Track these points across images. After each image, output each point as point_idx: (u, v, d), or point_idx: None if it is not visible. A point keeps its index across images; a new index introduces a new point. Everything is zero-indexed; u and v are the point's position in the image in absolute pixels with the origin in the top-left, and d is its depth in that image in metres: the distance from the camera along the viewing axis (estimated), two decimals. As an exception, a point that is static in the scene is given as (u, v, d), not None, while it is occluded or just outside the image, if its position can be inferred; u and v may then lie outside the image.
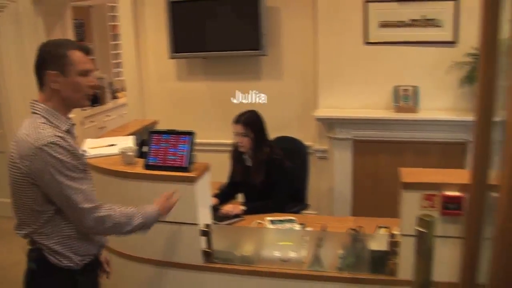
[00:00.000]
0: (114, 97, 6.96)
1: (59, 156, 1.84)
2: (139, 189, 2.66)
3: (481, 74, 1.81)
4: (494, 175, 1.75)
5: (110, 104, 6.73)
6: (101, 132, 5.86)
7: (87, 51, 2.01)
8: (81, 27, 6.98)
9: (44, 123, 1.90)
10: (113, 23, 7.42)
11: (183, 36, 4.61)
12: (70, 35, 5.80)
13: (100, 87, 6.02)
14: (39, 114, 1.92)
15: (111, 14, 7.40)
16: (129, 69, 4.98)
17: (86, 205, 1.91)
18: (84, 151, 2.09)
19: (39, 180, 1.86)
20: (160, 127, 4.52)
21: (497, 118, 1.74)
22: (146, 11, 4.87)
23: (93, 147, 3.07)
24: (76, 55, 1.94)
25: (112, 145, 3.14)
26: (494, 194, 1.72)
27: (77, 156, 1.92)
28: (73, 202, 1.89)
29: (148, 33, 4.92)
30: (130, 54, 4.91)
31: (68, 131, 1.98)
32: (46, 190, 1.88)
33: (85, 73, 1.97)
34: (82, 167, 1.95)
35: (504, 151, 1.54)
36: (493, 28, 1.71)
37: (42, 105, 1.94)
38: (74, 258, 2.00)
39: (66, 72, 1.92)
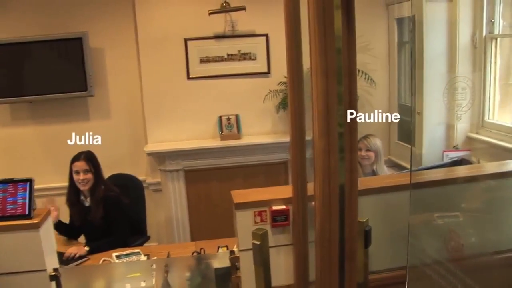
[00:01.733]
0: None
1: None
2: (-20, 243, 2.58)
3: (290, 101, 2.13)
4: (311, 187, 2.06)
5: None
6: None
7: None
8: None
9: None
10: None
11: (4, 81, 4.46)
12: None
13: None
14: None
15: None
16: None
17: None
18: None
19: None
20: (-12, 177, 4.32)
21: (308, 138, 2.05)
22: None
23: None
24: None
25: None
26: (313, 203, 2.03)
27: None
28: None
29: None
30: None
31: None
32: None
33: None
34: None
35: (314, 165, 1.84)
36: (297, 59, 2.03)
37: None
38: None
39: None
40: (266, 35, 4.45)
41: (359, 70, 4.18)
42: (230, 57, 4.48)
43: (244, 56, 4.49)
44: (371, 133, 3.62)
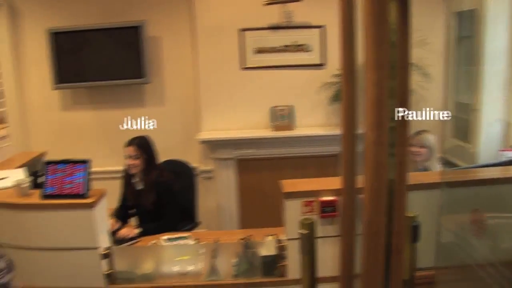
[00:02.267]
0: (-10, 130, 6.69)
1: None
2: (38, 219, 2.70)
3: (343, 93, 2.13)
4: (360, 180, 2.06)
5: (-14, 137, 6.44)
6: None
7: None
8: None
9: None
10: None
11: (66, 67, 4.64)
12: None
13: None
14: None
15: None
16: (11, 100, 4.89)
17: None
18: None
19: None
20: (49, 158, 4.51)
21: (360, 131, 2.05)
22: (27, 41, 4.83)
23: (-16, 182, 3.06)
24: None
25: (3, 178, 3.15)
26: (362, 195, 2.03)
27: None
28: None
29: (29, 64, 4.87)
30: (11, 85, 4.82)
31: None
32: None
33: None
34: None
35: (364, 159, 1.84)
36: (350, 52, 2.03)
37: None
38: None
39: None
40: (322, 27, 4.43)
41: (415, 65, 4.12)
42: (285, 48, 4.49)
43: (299, 48, 4.49)
44: (425, 129, 3.56)
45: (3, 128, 6.19)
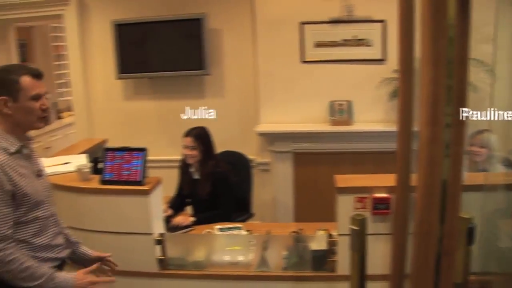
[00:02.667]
0: (59, 117, 6.97)
1: None
2: (97, 203, 2.81)
3: (400, 90, 2.09)
4: (414, 178, 2.02)
5: (55, 124, 6.72)
6: (47, 152, 5.88)
7: (38, 75, 2.04)
8: (23, 47, 6.95)
9: None
10: (56, 44, 7.44)
11: (129, 57, 4.78)
12: (13, 55, 5.82)
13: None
14: None
15: (54, 34, 7.43)
16: (77, 89, 5.09)
17: None
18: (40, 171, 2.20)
19: None
20: (110, 145, 4.64)
21: (415, 128, 2.01)
22: (93, 32, 5.00)
23: (49, 166, 3.18)
24: (27, 81, 1.98)
25: (67, 163, 3.27)
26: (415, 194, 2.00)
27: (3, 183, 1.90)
28: None
29: (95, 54, 5.05)
30: (78, 75, 5.03)
31: (19, 152, 2.05)
32: None
33: (37, 97, 2.01)
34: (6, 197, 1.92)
35: (418, 156, 1.81)
36: (409, 48, 1.99)
37: None
38: None
39: (17, 98, 1.97)
40: (383, 22, 4.35)
41: (480, 61, 3.98)
42: (345, 43, 4.44)
43: (359, 42, 4.42)
44: (487, 128, 3.43)
45: (69, 116, 6.47)
